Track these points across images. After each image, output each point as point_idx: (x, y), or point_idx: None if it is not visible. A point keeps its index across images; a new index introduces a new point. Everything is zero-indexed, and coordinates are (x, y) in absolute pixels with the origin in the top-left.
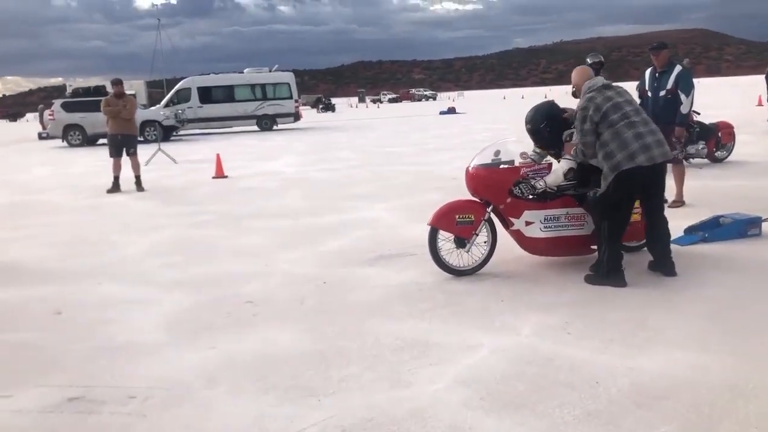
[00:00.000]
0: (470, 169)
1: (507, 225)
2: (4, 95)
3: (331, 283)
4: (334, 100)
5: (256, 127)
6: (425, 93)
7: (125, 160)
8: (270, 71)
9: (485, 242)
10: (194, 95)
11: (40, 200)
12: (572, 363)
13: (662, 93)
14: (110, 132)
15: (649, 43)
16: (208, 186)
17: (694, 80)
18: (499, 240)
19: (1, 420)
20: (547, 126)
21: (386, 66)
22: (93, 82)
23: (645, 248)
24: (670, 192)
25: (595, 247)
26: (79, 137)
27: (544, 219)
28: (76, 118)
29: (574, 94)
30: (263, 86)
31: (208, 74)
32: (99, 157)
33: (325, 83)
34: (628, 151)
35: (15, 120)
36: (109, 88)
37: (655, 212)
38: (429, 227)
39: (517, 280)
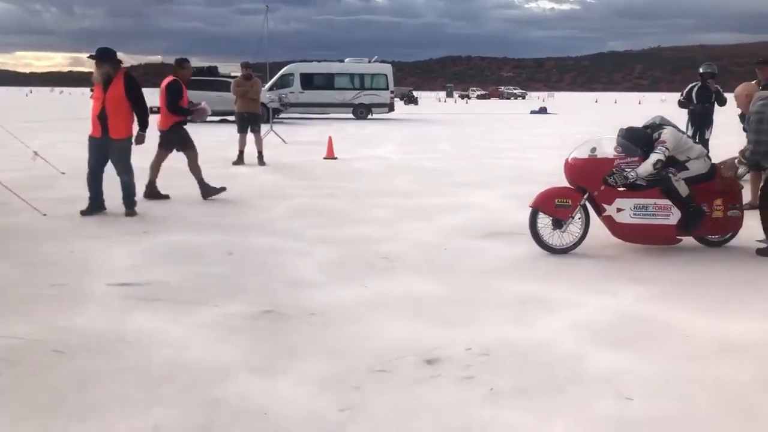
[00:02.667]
0: (569, 159)
1: (600, 212)
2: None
3: (452, 250)
4: (420, 94)
5: (351, 115)
6: (514, 91)
7: (250, 136)
8: (369, 62)
9: (580, 226)
10: (297, 81)
11: (176, 167)
12: (667, 322)
13: None
14: (238, 110)
15: (753, 54)
16: (321, 165)
17: None
18: (594, 227)
19: (219, 320)
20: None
21: (475, 62)
22: (191, 62)
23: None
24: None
25: (680, 237)
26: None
27: (634, 207)
28: (190, 95)
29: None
30: (362, 76)
31: (311, 62)
32: (212, 133)
33: (413, 76)
34: None
35: None
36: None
37: None
38: (530, 208)
39: (617, 260)
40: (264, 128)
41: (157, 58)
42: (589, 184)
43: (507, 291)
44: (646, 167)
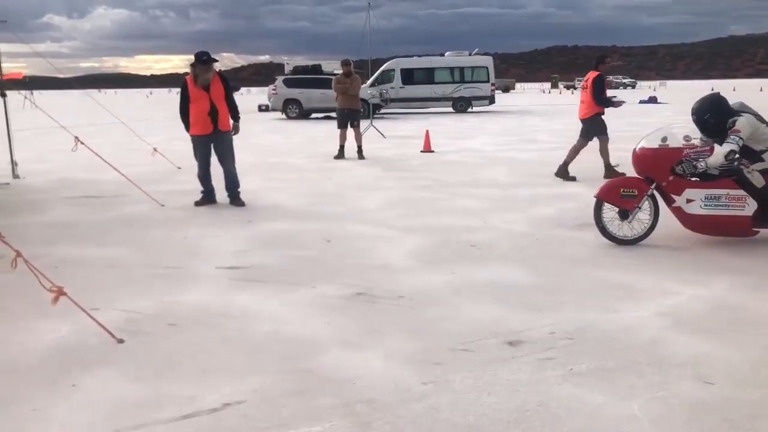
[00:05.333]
0: (637, 149)
1: (669, 202)
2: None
3: (543, 239)
4: (526, 86)
5: (451, 109)
6: (623, 81)
7: (350, 131)
8: (470, 55)
9: (648, 216)
10: (397, 76)
11: (281, 161)
12: (760, 312)
13: None
14: (338, 106)
15: None
16: (418, 158)
17: None
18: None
19: (314, 300)
20: (711, 117)
21: (582, 51)
22: (297, 61)
23: None
24: None
25: (757, 229)
26: (296, 110)
27: (705, 197)
28: (294, 93)
29: None
30: (462, 69)
31: (411, 56)
32: (315, 129)
33: (517, 68)
34: None
35: None
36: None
37: None
38: (595, 199)
39: (710, 250)
40: (364, 123)
41: (265, 58)
42: (656, 174)
43: (595, 279)
44: (716, 158)
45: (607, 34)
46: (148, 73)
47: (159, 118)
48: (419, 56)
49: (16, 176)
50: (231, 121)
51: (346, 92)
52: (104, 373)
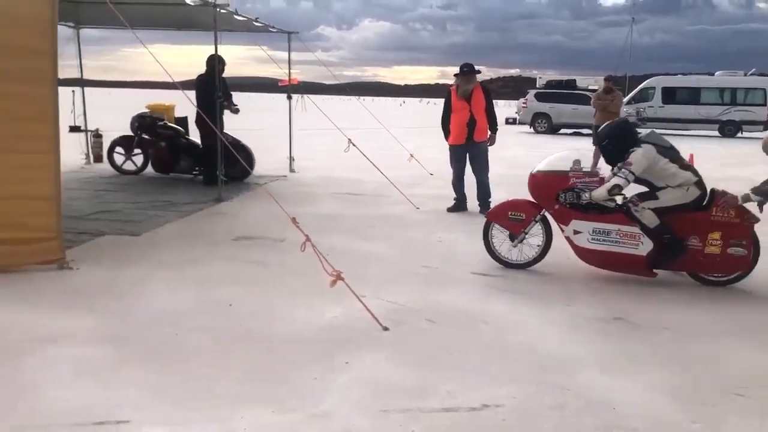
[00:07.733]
0: (533, 171)
1: (561, 229)
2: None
3: None
4: None
5: (716, 133)
6: None
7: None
8: (745, 75)
9: (540, 241)
10: (657, 95)
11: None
12: None
13: None
14: (596, 123)
15: None
16: None
17: None
18: None
19: (570, 318)
20: (610, 143)
21: None
22: (548, 75)
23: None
24: None
25: (657, 270)
26: (544, 125)
27: (593, 231)
28: (545, 107)
29: None
30: (733, 90)
31: (675, 75)
32: (564, 144)
33: None
34: None
35: None
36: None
37: None
38: (485, 219)
39: None
40: None
41: (515, 71)
42: (543, 200)
43: (748, 311)
44: (600, 192)
45: None
46: (402, 83)
47: (412, 125)
48: (684, 74)
49: (292, 170)
50: (488, 132)
51: (606, 109)
52: (372, 355)
